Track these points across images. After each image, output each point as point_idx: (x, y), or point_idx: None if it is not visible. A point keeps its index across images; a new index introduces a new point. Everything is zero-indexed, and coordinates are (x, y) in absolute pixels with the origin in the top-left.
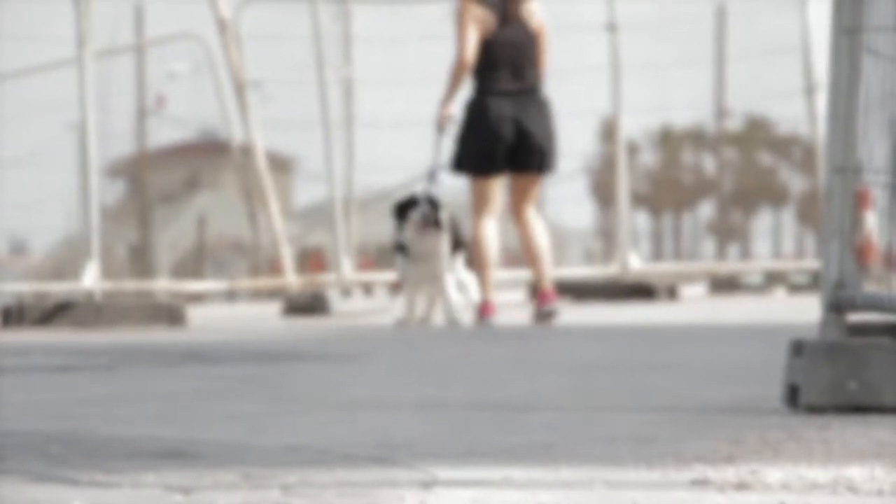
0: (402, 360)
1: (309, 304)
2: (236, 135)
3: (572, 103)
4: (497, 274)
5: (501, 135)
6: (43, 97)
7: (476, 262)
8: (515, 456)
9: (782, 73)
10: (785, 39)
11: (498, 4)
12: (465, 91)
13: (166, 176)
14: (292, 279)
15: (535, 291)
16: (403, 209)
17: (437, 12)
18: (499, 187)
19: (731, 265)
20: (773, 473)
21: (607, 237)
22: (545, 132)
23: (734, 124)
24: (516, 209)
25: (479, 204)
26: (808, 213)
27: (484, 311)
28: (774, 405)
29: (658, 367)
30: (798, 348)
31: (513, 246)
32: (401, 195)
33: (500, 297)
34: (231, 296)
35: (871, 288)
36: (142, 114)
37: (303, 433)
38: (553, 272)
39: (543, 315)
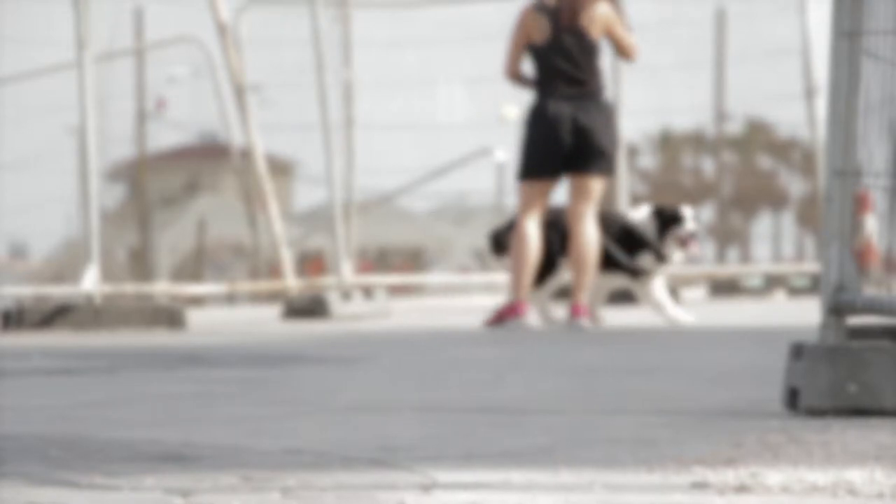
0: (402, 363)
1: (309, 307)
2: (236, 138)
3: None
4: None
5: (559, 135)
6: (42, 100)
7: (515, 261)
8: (515, 459)
9: (782, 77)
10: (785, 43)
11: (553, 13)
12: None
13: (166, 179)
14: (292, 282)
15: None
16: (667, 220)
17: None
18: (548, 191)
19: (730, 268)
20: (773, 476)
21: None
22: (605, 133)
23: (734, 128)
24: (572, 210)
25: (526, 205)
26: (808, 216)
27: (516, 310)
28: (774, 408)
29: (658, 370)
30: (798, 351)
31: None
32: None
33: (498, 299)
34: (231, 299)
35: (870, 291)
36: (141, 117)
37: (302, 436)
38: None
39: (570, 328)
